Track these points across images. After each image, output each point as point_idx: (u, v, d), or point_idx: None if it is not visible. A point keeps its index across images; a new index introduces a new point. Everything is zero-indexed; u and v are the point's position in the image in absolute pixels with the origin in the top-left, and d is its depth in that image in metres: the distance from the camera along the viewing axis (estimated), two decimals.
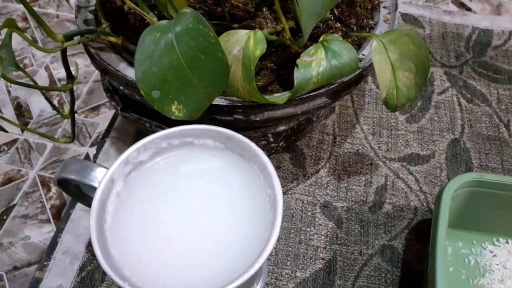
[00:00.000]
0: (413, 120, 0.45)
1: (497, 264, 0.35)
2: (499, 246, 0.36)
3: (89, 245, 0.37)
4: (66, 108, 0.39)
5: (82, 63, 1.17)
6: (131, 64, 0.32)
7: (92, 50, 0.32)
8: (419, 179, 0.40)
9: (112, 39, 0.32)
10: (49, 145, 1.04)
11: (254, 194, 0.27)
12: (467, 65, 0.49)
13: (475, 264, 0.35)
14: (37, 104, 1.10)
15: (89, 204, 0.31)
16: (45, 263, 0.37)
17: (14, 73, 1.13)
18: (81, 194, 0.32)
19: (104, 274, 0.36)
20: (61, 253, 0.37)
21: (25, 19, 1.29)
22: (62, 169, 0.28)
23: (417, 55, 0.29)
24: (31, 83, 0.33)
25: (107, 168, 0.27)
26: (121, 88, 0.32)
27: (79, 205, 0.40)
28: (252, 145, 0.27)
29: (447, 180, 0.40)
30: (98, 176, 0.27)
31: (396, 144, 0.43)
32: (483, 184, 0.33)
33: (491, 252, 0.36)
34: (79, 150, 1.03)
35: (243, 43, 0.26)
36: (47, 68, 1.18)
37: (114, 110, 0.46)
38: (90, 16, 0.35)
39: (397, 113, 0.45)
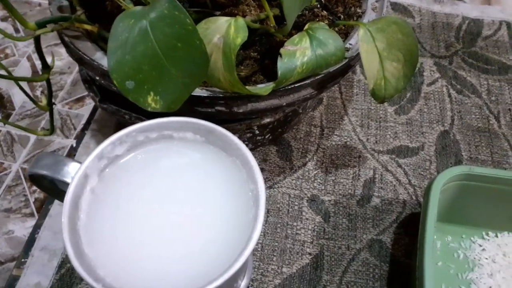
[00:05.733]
0: (402, 111, 0.44)
1: (486, 258, 0.34)
2: (488, 240, 0.36)
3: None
4: (45, 101, 0.37)
5: (65, 53, 1.14)
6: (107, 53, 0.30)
7: (66, 39, 0.31)
8: (408, 172, 0.40)
9: (88, 27, 0.30)
10: (33, 137, 1.02)
11: (236, 190, 0.26)
12: (457, 56, 0.48)
13: (464, 259, 0.35)
14: (19, 95, 1.08)
15: None
16: (22, 260, 0.35)
17: None
18: (56, 190, 0.31)
19: None
20: (39, 249, 0.36)
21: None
22: (33, 164, 0.26)
23: (406, 44, 0.28)
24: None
25: (80, 163, 0.25)
26: (98, 78, 0.31)
27: (58, 201, 0.38)
28: (234, 138, 0.25)
29: (436, 173, 0.40)
30: (71, 171, 0.25)
31: (385, 136, 0.42)
32: (473, 177, 0.32)
33: (480, 246, 0.35)
34: (64, 142, 1.01)
35: (224, 31, 0.25)
36: (29, 58, 1.15)
37: None
38: (65, 2, 0.33)
39: (386, 104, 0.44)
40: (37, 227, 0.37)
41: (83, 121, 1.03)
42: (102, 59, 0.30)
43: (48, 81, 0.35)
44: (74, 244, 0.23)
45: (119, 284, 0.23)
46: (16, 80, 0.34)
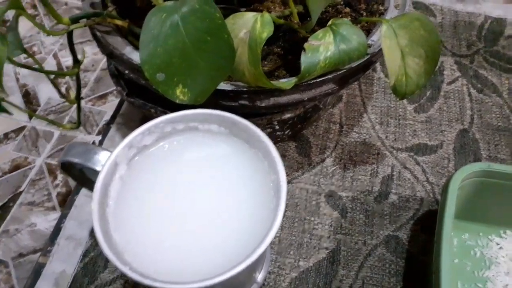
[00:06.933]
0: (421, 109, 0.44)
1: (503, 257, 0.34)
2: (506, 238, 0.35)
3: (93, 231, 0.37)
4: (73, 94, 0.39)
5: (90, 51, 1.17)
6: (137, 48, 0.31)
7: (98, 34, 0.32)
8: (426, 170, 0.40)
9: (118, 22, 0.32)
10: (56, 132, 1.05)
11: (258, 180, 0.27)
12: (478, 55, 0.48)
13: (481, 256, 0.35)
14: (45, 91, 1.11)
15: (93, 189, 0.31)
16: (48, 248, 0.37)
17: (23, 60, 1.13)
18: (85, 178, 0.32)
19: (107, 260, 0.36)
20: (64, 238, 0.37)
21: (33, 7, 1.29)
22: (65, 153, 0.28)
23: (428, 41, 0.28)
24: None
25: (111, 151, 0.26)
26: (127, 72, 0.32)
27: (83, 191, 0.40)
28: (257, 130, 0.26)
29: (454, 171, 0.40)
30: (102, 160, 0.26)
31: (404, 134, 0.42)
32: (491, 174, 0.32)
33: (498, 244, 0.35)
34: (86, 138, 1.03)
35: (250, 26, 0.26)
36: (55, 56, 1.18)
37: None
38: None
39: (405, 102, 0.44)
40: (63, 217, 0.38)
41: (106, 117, 1.06)
42: (131, 53, 0.31)
43: (77, 75, 0.37)
44: (103, 229, 0.24)
45: (144, 269, 0.24)
46: (47, 73, 0.35)
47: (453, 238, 0.36)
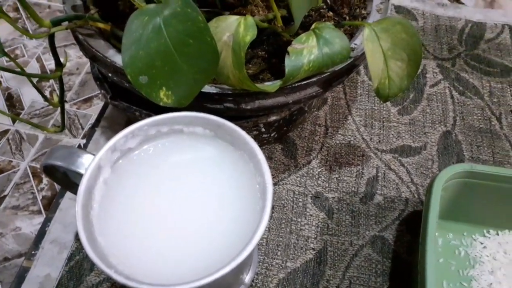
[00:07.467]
0: (405, 112, 0.44)
1: (487, 256, 0.35)
2: (489, 237, 0.36)
3: (78, 235, 0.37)
4: (57, 98, 0.38)
5: (74, 54, 1.16)
6: (119, 50, 0.31)
7: (80, 37, 0.32)
8: (411, 171, 0.40)
9: (101, 25, 0.31)
10: (41, 136, 1.03)
11: (244, 183, 0.27)
12: (459, 58, 0.49)
13: (465, 256, 0.35)
14: (29, 95, 1.09)
15: (77, 193, 0.30)
16: (33, 252, 0.36)
17: (6, 63, 1.12)
18: (69, 182, 0.32)
19: (93, 263, 0.35)
20: (49, 242, 0.36)
21: (16, 9, 1.28)
22: (48, 156, 0.27)
23: (410, 44, 0.28)
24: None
25: (94, 154, 0.26)
26: (110, 75, 0.32)
27: (68, 194, 0.39)
28: (242, 133, 0.26)
29: (438, 172, 0.40)
30: (85, 163, 0.26)
31: (388, 135, 0.43)
32: (474, 175, 0.33)
33: (482, 243, 0.36)
34: (71, 141, 1.02)
35: (233, 29, 0.26)
36: (38, 59, 1.17)
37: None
38: (79, 1, 0.34)
39: (389, 105, 0.45)
40: (47, 221, 0.38)
41: (91, 120, 1.04)
42: (114, 56, 0.31)
43: (60, 78, 0.36)
44: (87, 231, 0.24)
45: (129, 272, 0.23)
46: (30, 76, 0.35)
47: (438, 238, 0.36)
